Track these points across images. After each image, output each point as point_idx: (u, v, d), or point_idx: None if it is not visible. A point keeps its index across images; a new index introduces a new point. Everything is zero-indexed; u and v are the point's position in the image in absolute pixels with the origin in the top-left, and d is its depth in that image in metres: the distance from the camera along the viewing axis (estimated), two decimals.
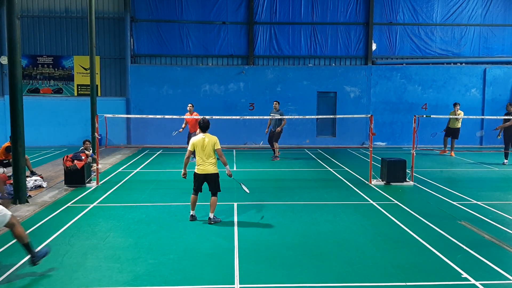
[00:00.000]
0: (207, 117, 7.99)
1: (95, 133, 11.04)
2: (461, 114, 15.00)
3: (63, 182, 10.30)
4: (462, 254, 5.95)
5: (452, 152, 15.71)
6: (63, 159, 10.28)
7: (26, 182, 9.03)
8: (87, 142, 11.36)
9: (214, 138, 7.33)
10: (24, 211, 8.06)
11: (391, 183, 10.49)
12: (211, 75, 18.89)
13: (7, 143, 10.59)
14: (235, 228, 7.07)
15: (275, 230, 7.02)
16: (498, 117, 14.92)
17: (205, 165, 7.29)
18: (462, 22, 19.43)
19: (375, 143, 18.49)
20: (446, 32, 19.49)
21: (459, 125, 15.41)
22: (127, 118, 18.41)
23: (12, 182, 8.71)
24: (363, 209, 8.35)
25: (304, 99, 19.03)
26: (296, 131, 19.01)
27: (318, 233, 6.86)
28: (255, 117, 15.56)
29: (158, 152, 16.54)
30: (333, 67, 19.27)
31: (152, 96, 18.76)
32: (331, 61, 19.54)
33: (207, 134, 7.37)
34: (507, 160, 13.78)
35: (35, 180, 10.04)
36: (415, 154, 11.03)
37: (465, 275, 5.24)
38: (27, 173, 10.01)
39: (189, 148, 7.44)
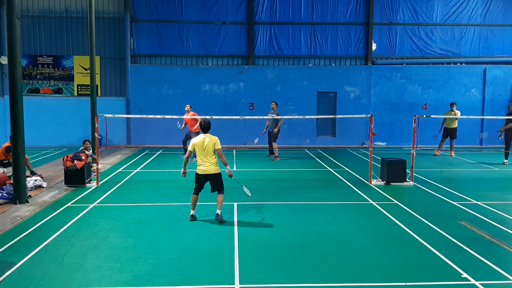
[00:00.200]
0: (207, 117, 7.99)
1: (95, 133, 11.03)
2: (458, 114, 15.02)
3: (63, 182, 10.30)
4: (462, 254, 5.95)
5: (452, 152, 15.70)
6: (63, 159, 10.27)
7: (26, 182, 9.02)
8: (87, 142, 11.36)
9: (215, 138, 7.34)
10: (24, 211, 8.06)
11: (391, 183, 10.49)
12: (211, 75, 18.89)
13: (7, 143, 10.59)
14: (235, 228, 7.07)
15: (275, 230, 7.03)
16: (498, 117, 14.92)
17: (206, 166, 7.30)
18: (462, 22, 19.43)
19: (375, 143, 18.50)
20: (446, 32, 19.49)
21: (456, 125, 15.42)
22: (127, 118, 18.41)
23: (12, 182, 8.72)
24: (363, 209, 8.35)
25: (304, 99, 19.03)
26: (296, 131, 19.03)
27: (318, 233, 6.86)
28: (255, 117, 15.55)
29: (158, 152, 16.54)
30: (333, 67, 19.27)
31: (152, 96, 18.76)
32: (331, 61, 19.54)
33: (208, 135, 7.38)
34: (507, 160, 13.79)
35: (35, 180, 10.03)
36: (415, 154, 11.04)
37: (465, 275, 5.24)
38: (27, 173, 10.02)
39: (189, 148, 7.46)
